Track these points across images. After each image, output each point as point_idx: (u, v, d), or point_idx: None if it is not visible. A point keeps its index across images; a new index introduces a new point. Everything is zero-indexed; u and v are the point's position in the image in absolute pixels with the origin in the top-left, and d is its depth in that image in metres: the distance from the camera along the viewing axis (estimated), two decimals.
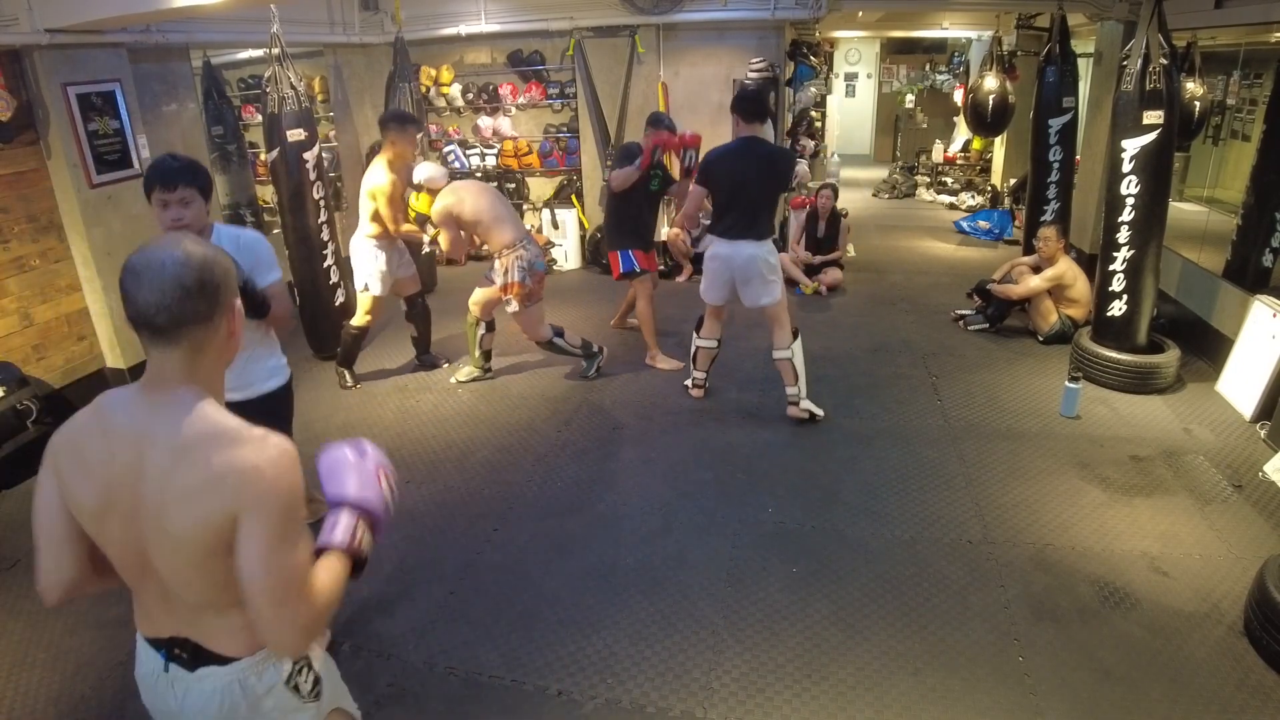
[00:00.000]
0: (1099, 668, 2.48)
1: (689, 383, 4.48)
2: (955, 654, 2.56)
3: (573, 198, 7.24)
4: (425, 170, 4.35)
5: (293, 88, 4.53)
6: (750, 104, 3.88)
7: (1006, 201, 8.67)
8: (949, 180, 10.22)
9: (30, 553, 3.17)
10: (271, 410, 2.47)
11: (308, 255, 4.87)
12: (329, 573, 1.28)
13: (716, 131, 6.80)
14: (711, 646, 2.63)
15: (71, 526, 1.35)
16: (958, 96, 10.21)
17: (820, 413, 4.08)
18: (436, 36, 6.78)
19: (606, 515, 3.39)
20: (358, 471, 1.38)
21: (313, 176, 4.74)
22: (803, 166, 7.48)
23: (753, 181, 3.81)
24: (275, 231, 5.99)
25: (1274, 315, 4.00)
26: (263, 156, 5.34)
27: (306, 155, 4.67)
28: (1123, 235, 4.21)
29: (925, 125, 11.97)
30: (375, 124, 7.15)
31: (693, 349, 4.36)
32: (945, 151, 10.72)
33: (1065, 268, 5.01)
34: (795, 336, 4.00)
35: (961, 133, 10.58)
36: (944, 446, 3.85)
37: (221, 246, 1.62)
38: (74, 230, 4.32)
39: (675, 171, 4.89)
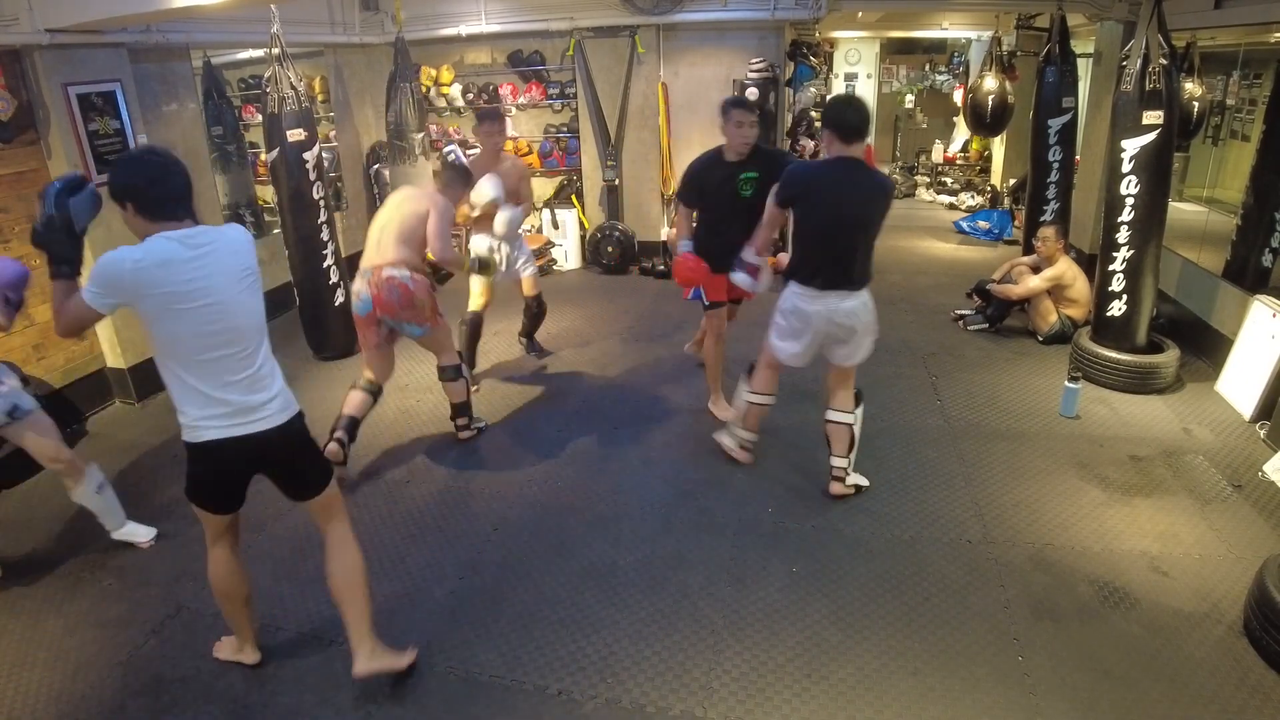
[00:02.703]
0: (1098, 667, 2.48)
1: (730, 442, 3.65)
2: (955, 654, 2.56)
3: (573, 198, 7.24)
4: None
5: (293, 88, 4.53)
6: (853, 117, 2.98)
7: (1006, 201, 8.67)
8: (949, 180, 10.21)
9: (29, 552, 3.18)
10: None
11: (307, 255, 4.87)
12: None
13: (715, 131, 6.77)
14: (711, 646, 2.63)
15: None
16: (957, 96, 10.21)
17: (866, 483, 3.49)
18: (436, 37, 6.78)
19: (606, 515, 3.39)
20: None
21: (313, 177, 4.74)
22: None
23: (859, 219, 3.03)
24: (275, 231, 6.00)
25: (1273, 315, 4.00)
26: (263, 157, 5.34)
27: (306, 155, 4.67)
28: (1122, 235, 4.21)
29: (925, 125, 11.97)
30: (375, 124, 7.18)
31: (742, 404, 3.56)
32: (945, 152, 10.72)
33: (1065, 268, 5.01)
34: (859, 401, 3.40)
35: (961, 133, 10.57)
36: (944, 446, 3.85)
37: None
38: None
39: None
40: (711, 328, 4.10)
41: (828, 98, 3.10)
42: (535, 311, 4.94)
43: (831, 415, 3.37)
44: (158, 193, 2.04)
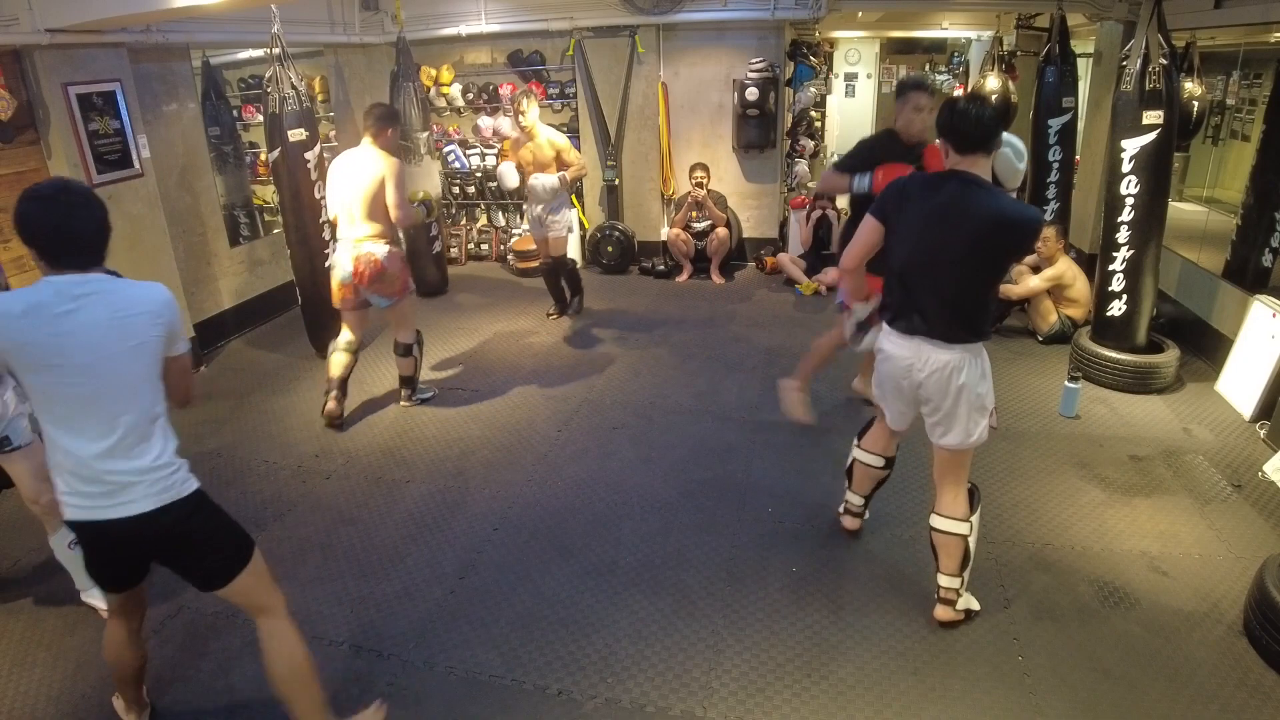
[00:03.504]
0: (1098, 667, 2.48)
1: (841, 507, 3.20)
2: (955, 653, 2.56)
3: (573, 198, 7.23)
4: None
5: (294, 88, 4.53)
6: (971, 121, 2.32)
7: None
8: None
9: (29, 552, 3.18)
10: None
11: (308, 255, 4.87)
12: None
13: (715, 131, 6.82)
14: (711, 646, 2.63)
15: None
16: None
17: (977, 607, 2.76)
18: (436, 36, 6.78)
19: (606, 515, 3.39)
20: None
21: (314, 176, 4.74)
22: (802, 166, 7.49)
23: (955, 250, 2.35)
24: (276, 231, 6.01)
25: (1273, 315, 4.00)
26: (264, 156, 5.34)
27: (308, 155, 4.67)
28: (1122, 235, 4.21)
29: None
30: None
31: (849, 459, 3.07)
32: None
33: (1065, 268, 5.01)
34: (974, 503, 2.65)
35: None
36: None
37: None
38: None
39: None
40: (839, 332, 3.67)
41: (951, 101, 2.29)
42: (565, 272, 5.70)
43: (935, 523, 2.65)
44: (59, 239, 1.79)
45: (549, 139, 5.15)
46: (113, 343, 1.83)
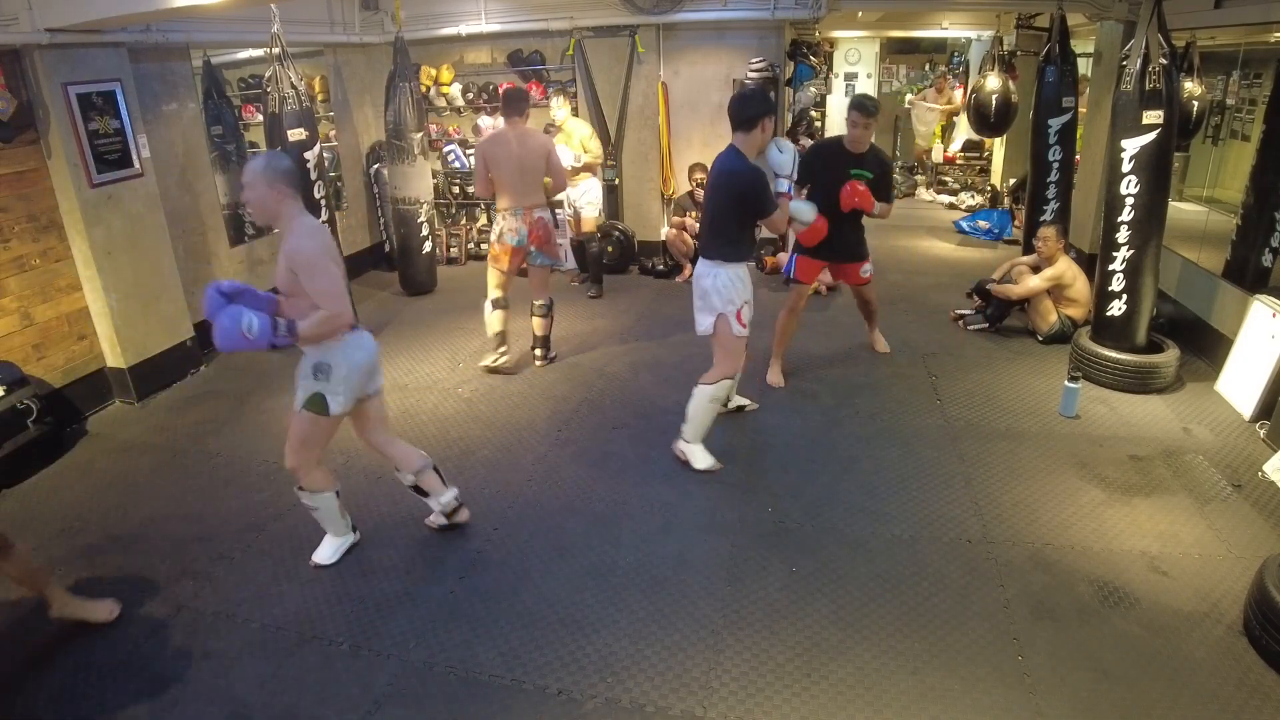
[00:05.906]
0: (1098, 667, 2.48)
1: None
2: (954, 653, 2.56)
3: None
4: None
5: (293, 87, 4.53)
6: (730, 108, 3.45)
7: (1006, 201, 8.67)
8: (949, 180, 10.21)
9: (28, 550, 3.17)
10: None
11: None
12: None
13: (715, 131, 6.81)
14: (711, 646, 2.63)
15: None
16: (957, 96, 10.21)
17: (702, 466, 3.67)
18: (436, 36, 6.78)
19: (606, 515, 3.39)
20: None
21: (313, 176, 4.74)
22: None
23: (715, 193, 3.49)
24: (275, 230, 5.98)
25: (1273, 315, 4.00)
26: None
27: (307, 155, 4.68)
28: (1122, 235, 4.21)
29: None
30: (375, 124, 7.17)
31: None
32: (945, 151, 10.72)
33: (1064, 268, 5.01)
34: (721, 381, 3.58)
35: (961, 132, 10.57)
36: (943, 446, 3.85)
37: None
38: (74, 230, 4.33)
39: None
40: (787, 302, 4.61)
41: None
42: (594, 251, 6.32)
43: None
44: None
45: (575, 133, 5.94)
46: None
